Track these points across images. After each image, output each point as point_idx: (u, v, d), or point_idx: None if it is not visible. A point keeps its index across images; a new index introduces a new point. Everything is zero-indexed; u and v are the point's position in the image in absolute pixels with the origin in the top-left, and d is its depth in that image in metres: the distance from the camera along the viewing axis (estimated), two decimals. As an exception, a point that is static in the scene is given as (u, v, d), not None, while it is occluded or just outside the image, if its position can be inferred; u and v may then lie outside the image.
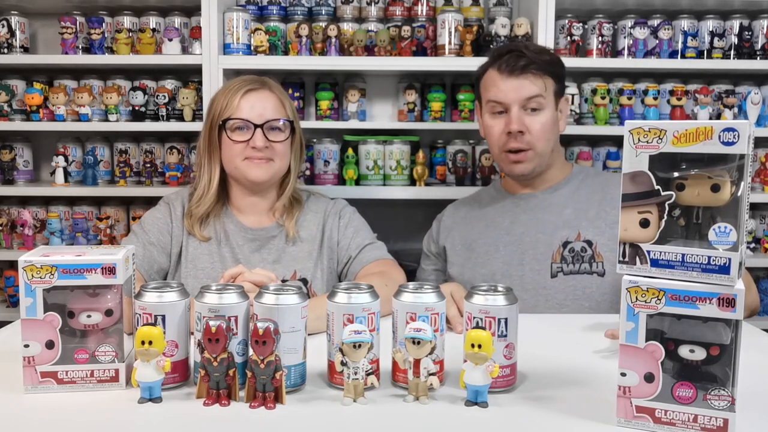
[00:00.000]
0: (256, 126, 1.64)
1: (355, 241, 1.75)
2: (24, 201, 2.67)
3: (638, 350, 0.90)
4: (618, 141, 2.59)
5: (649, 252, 0.89)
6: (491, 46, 2.41)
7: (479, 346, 0.97)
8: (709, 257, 0.86)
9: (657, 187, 0.88)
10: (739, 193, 0.85)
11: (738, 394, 0.87)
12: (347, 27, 2.56)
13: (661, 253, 0.89)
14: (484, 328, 1.02)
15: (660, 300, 0.88)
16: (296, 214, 1.74)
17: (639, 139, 0.89)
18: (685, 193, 0.88)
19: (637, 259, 0.90)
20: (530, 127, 1.67)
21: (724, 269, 0.85)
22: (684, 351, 0.89)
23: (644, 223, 0.89)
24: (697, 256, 0.87)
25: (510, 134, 1.67)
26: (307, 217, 1.77)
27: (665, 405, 0.90)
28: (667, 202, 0.88)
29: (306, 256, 1.72)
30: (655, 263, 0.89)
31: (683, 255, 0.87)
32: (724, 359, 0.87)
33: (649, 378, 0.90)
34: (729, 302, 0.85)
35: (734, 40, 2.50)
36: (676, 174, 0.88)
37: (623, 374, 0.92)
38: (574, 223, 1.71)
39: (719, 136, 0.84)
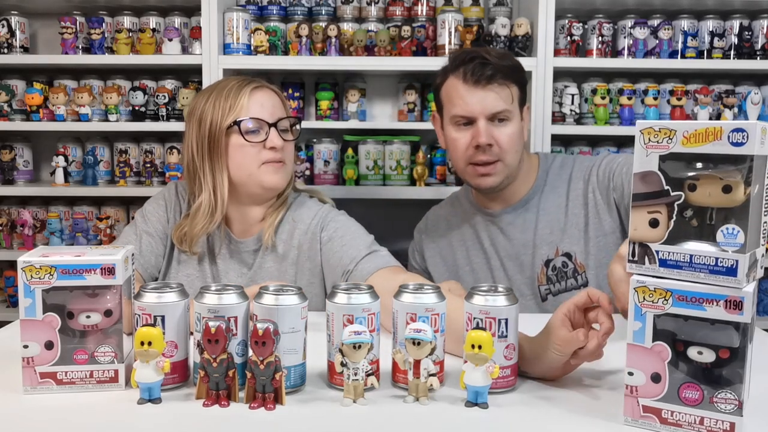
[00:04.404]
0: (270, 125, 1.51)
1: (348, 254, 1.51)
2: (24, 201, 2.67)
3: (645, 350, 0.90)
4: (618, 141, 2.59)
5: (657, 252, 0.89)
6: (491, 46, 2.41)
7: (479, 347, 0.96)
8: (717, 258, 0.85)
9: (666, 187, 0.88)
10: (752, 195, 0.84)
11: (746, 397, 0.87)
12: (347, 27, 2.56)
13: (669, 253, 0.88)
14: (484, 329, 1.01)
15: (667, 300, 0.88)
16: (278, 217, 1.59)
17: (649, 139, 0.88)
18: (696, 193, 0.87)
19: (646, 258, 0.90)
20: (498, 139, 1.60)
21: (731, 271, 0.85)
22: (692, 352, 0.88)
23: (653, 223, 0.89)
24: (705, 257, 0.86)
25: (478, 147, 1.60)
26: (286, 228, 1.59)
27: (672, 406, 0.89)
28: (677, 203, 0.87)
29: (281, 275, 1.58)
30: (663, 263, 0.89)
31: (691, 256, 0.87)
32: (732, 362, 0.86)
33: (656, 378, 0.90)
34: (736, 304, 0.85)
35: (734, 40, 2.50)
36: (688, 174, 0.87)
37: (630, 373, 0.91)
38: (550, 238, 1.68)
39: (728, 137, 0.84)
